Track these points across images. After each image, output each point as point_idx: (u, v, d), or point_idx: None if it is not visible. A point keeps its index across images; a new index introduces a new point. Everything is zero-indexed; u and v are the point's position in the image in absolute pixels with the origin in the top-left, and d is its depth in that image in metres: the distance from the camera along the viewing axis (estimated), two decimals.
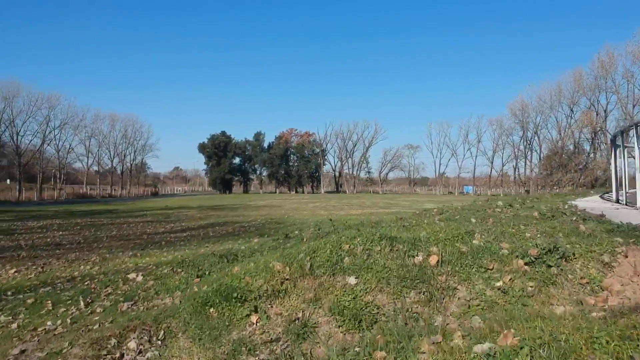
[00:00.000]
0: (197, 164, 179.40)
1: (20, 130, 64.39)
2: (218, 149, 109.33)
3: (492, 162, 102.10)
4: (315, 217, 24.82)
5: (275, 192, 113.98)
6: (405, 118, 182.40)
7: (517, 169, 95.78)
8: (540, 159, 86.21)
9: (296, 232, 12.99)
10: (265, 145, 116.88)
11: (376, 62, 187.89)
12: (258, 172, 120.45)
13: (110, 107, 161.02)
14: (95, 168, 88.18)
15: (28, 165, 68.47)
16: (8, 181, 74.33)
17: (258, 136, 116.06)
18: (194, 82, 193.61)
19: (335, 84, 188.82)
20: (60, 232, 17.54)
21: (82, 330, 5.27)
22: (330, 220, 13.98)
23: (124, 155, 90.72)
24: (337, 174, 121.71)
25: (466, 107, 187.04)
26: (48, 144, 72.01)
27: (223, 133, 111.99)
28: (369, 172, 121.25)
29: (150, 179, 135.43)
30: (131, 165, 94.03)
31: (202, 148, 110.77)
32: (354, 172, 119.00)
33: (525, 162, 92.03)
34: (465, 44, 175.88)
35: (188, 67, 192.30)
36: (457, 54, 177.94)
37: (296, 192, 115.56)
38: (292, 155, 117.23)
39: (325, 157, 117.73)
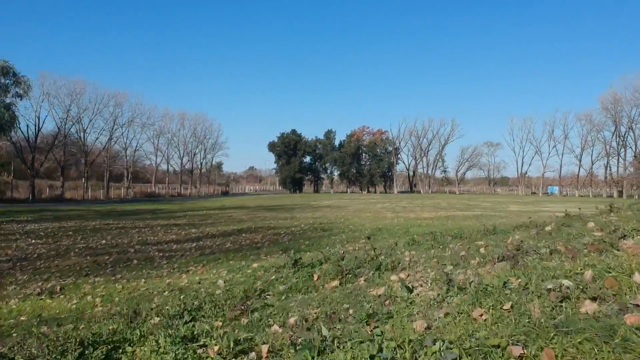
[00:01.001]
0: (269, 163, 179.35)
1: (87, 128, 63.53)
2: (288, 148, 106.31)
3: (580, 161, 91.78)
4: (376, 222, 19.75)
5: (346, 192, 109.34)
6: (484, 114, 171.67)
7: (608, 168, 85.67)
8: (635, 156, 77.18)
9: (329, 250, 8.18)
10: (336, 143, 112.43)
11: (453, 55, 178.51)
12: (329, 171, 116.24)
13: (178, 107, 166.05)
14: (164, 167, 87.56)
15: (96, 163, 67.99)
16: (82, 180, 74.99)
17: (329, 134, 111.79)
18: (264, 80, 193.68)
19: (410, 80, 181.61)
20: (36, 240, 13.77)
21: None
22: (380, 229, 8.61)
23: (194, 154, 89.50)
24: (410, 173, 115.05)
25: (551, 102, 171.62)
26: (115, 142, 71.24)
27: (293, 131, 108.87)
28: (444, 172, 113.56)
29: (224, 178, 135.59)
30: (201, 164, 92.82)
31: (272, 147, 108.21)
32: (429, 172, 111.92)
33: (618, 160, 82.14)
34: (549, 33, 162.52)
35: (258, 67, 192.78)
36: (540, 44, 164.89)
37: (368, 191, 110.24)
38: (363, 154, 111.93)
39: (399, 155, 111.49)
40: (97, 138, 67.38)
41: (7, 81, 44.84)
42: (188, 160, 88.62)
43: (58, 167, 59.42)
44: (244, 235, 14.21)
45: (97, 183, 70.28)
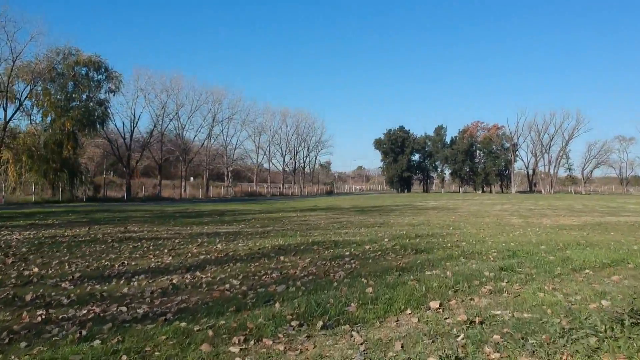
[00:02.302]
0: (376, 162, 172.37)
1: (185, 125, 61.90)
2: (395, 145, 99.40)
3: None
4: (502, 234, 13.00)
5: (459, 192, 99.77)
6: (614, 105, 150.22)
7: None
8: None
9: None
10: (447, 140, 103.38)
11: (576, 40, 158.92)
12: (439, 169, 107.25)
13: (280, 105, 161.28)
14: (266, 165, 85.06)
15: (195, 162, 66.58)
16: (192, 179, 74.61)
17: (439, 130, 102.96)
18: (369, 75, 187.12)
19: (528, 68, 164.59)
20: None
21: None
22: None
23: (296, 152, 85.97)
24: (530, 171, 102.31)
25: None
26: (215, 140, 69.39)
27: (401, 128, 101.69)
28: (569, 169, 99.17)
29: (331, 177, 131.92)
30: (304, 162, 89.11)
31: (378, 144, 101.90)
32: (551, 170, 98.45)
33: None
34: None
35: (362, 62, 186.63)
36: None
37: (482, 191, 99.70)
38: (477, 151, 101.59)
39: (517, 152, 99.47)
40: (196, 135, 65.88)
41: (99, 76, 43.67)
42: (290, 159, 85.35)
43: (156, 166, 58.40)
44: (281, 258, 8.50)
45: (198, 182, 69.18)
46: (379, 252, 9.13)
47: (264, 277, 7.03)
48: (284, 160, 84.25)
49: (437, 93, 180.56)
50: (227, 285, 6.46)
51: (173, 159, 65.91)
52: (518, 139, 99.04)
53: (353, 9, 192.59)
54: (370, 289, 5.68)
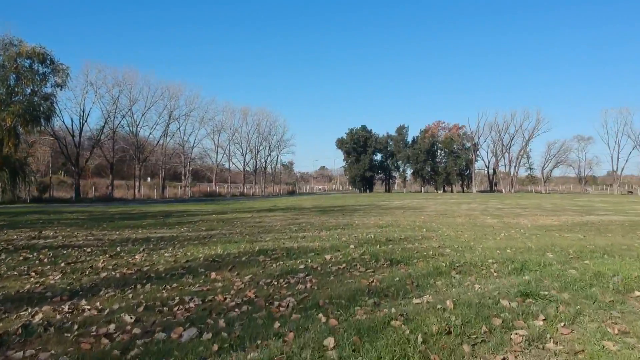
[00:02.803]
0: (338, 162, 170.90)
1: (139, 122, 58.14)
2: (357, 145, 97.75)
3: None
4: (487, 236, 11.10)
5: (420, 191, 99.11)
6: (573, 105, 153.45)
7: None
8: None
9: None
10: (409, 140, 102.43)
11: (536, 41, 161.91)
12: (401, 169, 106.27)
13: (240, 103, 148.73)
14: (227, 165, 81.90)
15: (151, 161, 62.99)
16: (149, 179, 70.73)
17: (401, 130, 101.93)
18: (332, 75, 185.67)
19: (489, 70, 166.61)
20: None
21: None
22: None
23: (257, 151, 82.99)
24: (490, 171, 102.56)
25: None
26: (171, 138, 65.84)
27: (363, 127, 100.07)
28: (530, 169, 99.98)
29: (293, 177, 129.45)
30: (265, 161, 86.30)
31: (340, 144, 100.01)
32: (511, 169, 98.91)
33: None
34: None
35: (324, 62, 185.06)
36: (634, 28, 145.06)
37: (444, 191, 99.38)
38: (439, 151, 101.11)
39: (478, 152, 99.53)
40: (151, 132, 62.15)
41: (45, 69, 39.79)
42: (251, 158, 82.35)
43: (109, 165, 54.56)
44: (212, 275, 6.10)
45: (154, 182, 65.57)
46: (344, 264, 6.94)
47: (176, 308, 4.71)
48: (244, 159, 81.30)
49: (399, 92, 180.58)
50: (112, 327, 4.12)
51: (127, 158, 61.99)
52: (479, 138, 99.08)
53: (314, 8, 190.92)
54: (331, 342, 3.45)
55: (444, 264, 6.81)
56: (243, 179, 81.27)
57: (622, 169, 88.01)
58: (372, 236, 11.24)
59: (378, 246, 9.03)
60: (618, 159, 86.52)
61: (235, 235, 11.92)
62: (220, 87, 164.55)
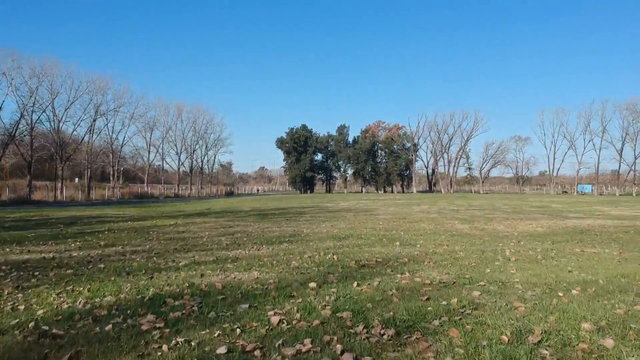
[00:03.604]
0: (278, 162, 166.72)
1: (62, 117, 51.58)
2: (297, 144, 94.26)
3: (621, 156, 79.01)
4: (511, 264, 8.01)
5: (361, 192, 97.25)
6: (511, 106, 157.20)
7: None
8: None
9: None
10: (350, 139, 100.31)
11: (475, 45, 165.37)
12: (342, 169, 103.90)
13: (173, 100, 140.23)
14: (160, 164, 76.01)
15: (76, 160, 56.60)
16: (76, 179, 63.85)
17: (342, 129, 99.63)
18: (272, 75, 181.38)
19: (429, 72, 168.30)
20: None
21: None
22: None
23: (193, 150, 77.50)
24: (430, 171, 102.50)
25: (585, 93, 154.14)
26: (97, 135, 59.58)
27: (303, 127, 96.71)
28: (470, 169, 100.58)
29: (231, 178, 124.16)
30: (202, 161, 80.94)
31: (280, 143, 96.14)
32: (450, 170, 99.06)
33: None
34: (580, 19, 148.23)
35: (264, 62, 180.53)
36: (569, 31, 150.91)
37: (384, 191, 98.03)
38: (379, 151, 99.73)
39: (417, 152, 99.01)
40: (75, 129, 55.63)
41: None
42: (187, 157, 76.84)
43: (26, 164, 47.86)
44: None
45: (79, 183, 59.13)
46: (308, 344, 3.45)
47: None
48: (179, 158, 75.51)
49: (340, 92, 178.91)
50: None
51: (47, 156, 55.15)
52: (419, 139, 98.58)
53: (254, 7, 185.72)
54: None
55: (506, 338, 3.49)
56: (178, 179, 75.61)
57: (558, 170, 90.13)
58: (334, 257, 7.84)
59: (354, 283, 5.59)
60: (554, 159, 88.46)
61: (136, 257, 8.13)
62: (153, 84, 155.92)
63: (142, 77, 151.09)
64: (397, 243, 9.99)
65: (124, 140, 64.44)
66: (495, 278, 5.91)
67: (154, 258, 7.98)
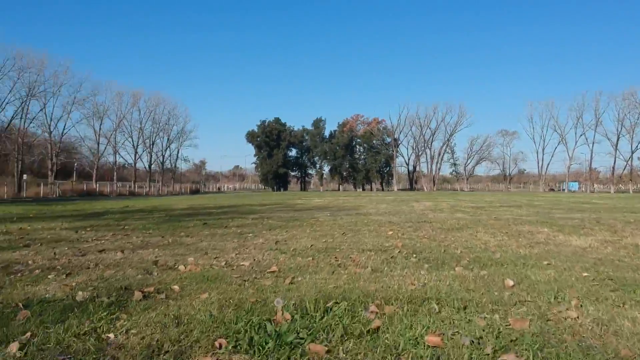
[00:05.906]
0: (250, 158, 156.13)
1: None
2: (270, 138, 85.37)
3: (616, 149, 72.65)
4: None
5: (339, 190, 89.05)
6: (498, 99, 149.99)
7: None
8: None
9: None
10: (327, 134, 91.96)
11: (459, 37, 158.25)
12: (318, 165, 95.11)
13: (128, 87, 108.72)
14: (111, 159, 66.34)
15: (2, 151, 47.13)
16: (25, 176, 54.29)
17: (318, 123, 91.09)
18: (243, 65, 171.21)
19: (409, 63, 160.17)
20: None
21: None
22: None
23: (152, 143, 68.13)
24: (411, 168, 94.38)
25: (576, 84, 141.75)
26: (31, 122, 50.10)
27: (276, 120, 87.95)
28: (455, 165, 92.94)
29: (202, 176, 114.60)
30: (163, 155, 71.42)
31: (251, 137, 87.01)
32: (433, 166, 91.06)
33: None
34: (573, 7, 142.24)
35: (236, 53, 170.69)
36: (562, 20, 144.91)
37: (363, 189, 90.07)
38: (358, 146, 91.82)
39: (398, 148, 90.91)
40: (1, 111, 46.26)
41: None
42: (145, 150, 67.46)
43: None
44: None
45: (7, 178, 49.53)
46: None
47: None
48: (135, 152, 66.00)
49: (316, 84, 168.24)
50: None
51: None
52: (400, 133, 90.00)
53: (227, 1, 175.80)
54: None
55: None
56: (134, 175, 66.17)
57: (548, 165, 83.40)
58: None
59: None
60: (543, 154, 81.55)
61: None
62: (113, 73, 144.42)
63: (103, 66, 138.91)
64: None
65: (64, 129, 54.97)
66: None
67: None
